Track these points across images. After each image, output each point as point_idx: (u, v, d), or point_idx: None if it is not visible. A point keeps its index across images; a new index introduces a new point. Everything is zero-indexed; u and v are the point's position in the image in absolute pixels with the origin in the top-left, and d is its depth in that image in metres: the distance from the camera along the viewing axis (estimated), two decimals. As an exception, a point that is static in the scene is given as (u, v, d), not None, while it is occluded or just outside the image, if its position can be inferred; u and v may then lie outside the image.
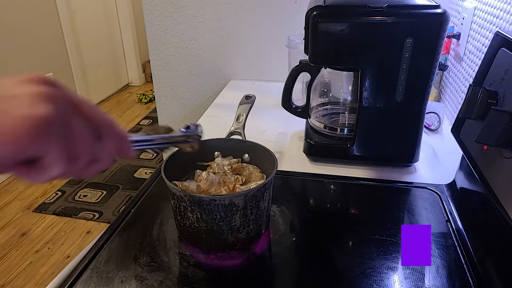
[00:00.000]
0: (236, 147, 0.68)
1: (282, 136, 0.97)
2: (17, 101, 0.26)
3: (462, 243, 0.60)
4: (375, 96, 0.74)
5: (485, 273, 0.54)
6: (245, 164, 0.67)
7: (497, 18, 0.80)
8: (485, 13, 0.86)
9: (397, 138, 0.79)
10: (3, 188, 2.33)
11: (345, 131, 0.84)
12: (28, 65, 2.59)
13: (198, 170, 0.64)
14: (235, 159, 0.67)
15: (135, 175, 2.47)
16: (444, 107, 1.03)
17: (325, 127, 0.85)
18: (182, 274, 0.56)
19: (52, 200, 2.22)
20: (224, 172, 0.63)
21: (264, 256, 0.61)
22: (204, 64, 1.42)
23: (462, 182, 0.69)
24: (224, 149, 0.68)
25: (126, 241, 0.62)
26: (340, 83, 0.89)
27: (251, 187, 0.58)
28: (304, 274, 0.56)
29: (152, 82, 1.51)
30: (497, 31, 0.57)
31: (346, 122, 0.85)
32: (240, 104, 0.83)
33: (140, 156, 2.64)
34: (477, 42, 0.89)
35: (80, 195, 2.27)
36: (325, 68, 0.84)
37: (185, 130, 0.49)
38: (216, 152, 0.68)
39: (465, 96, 0.55)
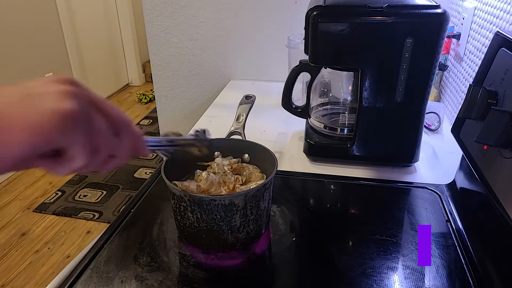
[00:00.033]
0: (236, 147, 0.68)
1: (282, 136, 0.97)
2: (46, 98, 0.29)
3: (462, 243, 0.60)
4: (375, 96, 0.74)
5: (485, 273, 0.54)
6: (245, 164, 0.67)
7: (497, 18, 0.80)
8: (485, 13, 0.86)
9: (397, 138, 0.79)
10: (3, 188, 2.33)
11: (345, 131, 0.84)
12: (28, 65, 2.59)
13: (198, 170, 0.63)
14: (235, 159, 0.67)
15: (135, 175, 2.47)
16: (444, 107, 1.03)
17: (325, 127, 0.85)
18: (182, 274, 0.56)
19: (52, 200, 2.22)
20: (224, 172, 0.63)
21: (264, 256, 0.61)
22: (204, 64, 1.42)
23: (462, 182, 0.69)
24: (224, 149, 0.68)
25: (126, 241, 0.62)
26: (340, 83, 0.89)
27: (251, 187, 0.58)
28: (304, 274, 0.56)
29: (152, 82, 1.51)
30: (497, 31, 0.57)
31: (346, 122, 0.86)
32: (240, 104, 0.83)
33: (140, 156, 2.64)
34: (477, 42, 0.89)
35: (80, 195, 2.27)
36: (325, 68, 0.84)
37: (194, 135, 0.51)
38: (216, 152, 0.68)
39: (465, 96, 0.55)
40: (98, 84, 3.48)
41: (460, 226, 0.64)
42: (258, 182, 0.60)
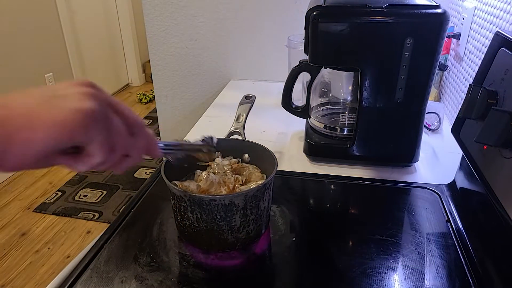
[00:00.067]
0: (236, 147, 0.68)
1: (282, 136, 0.97)
2: (68, 98, 0.31)
3: (462, 243, 0.60)
4: (375, 96, 0.74)
5: (485, 273, 0.54)
6: (245, 164, 0.67)
7: (497, 18, 0.80)
8: (485, 13, 0.86)
9: (397, 138, 0.79)
10: (3, 188, 2.33)
11: (345, 131, 0.84)
12: (28, 65, 2.59)
13: (198, 170, 0.63)
14: (235, 159, 0.67)
15: (135, 175, 2.47)
16: (444, 107, 1.03)
17: (325, 127, 0.85)
18: (182, 274, 0.56)
19: (52, 200, 2.22)
20: (224, 172, 0.63)
21: (264, 256, 0.61)
22: (204, 64, 1.42)
23: (462, 182, 0.69)
24: (224, 149, 0.68)
25: (126, 241, 0.62)
26: (340, 83, 0.89)
27: (251, 187, 0.58)
28: (304, 274, 0.56)
29: (152, 82, 1.51)
30: (497, 31, 0.57)
31: (346, 122, 0.86)
32: (240, 104, 0.83)
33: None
34: (477, 42, 0.89)
35: (80, 195, 2.27)
36: (325, 68, 0.84)
37: (201, 141, 0.52)
38: (216, 152, 0.68)
39: (465, 96, 0.55)
40: (98, 84, 3.47)
41: (460, 226, 0.64)
42: (258, 182, 0.60)
